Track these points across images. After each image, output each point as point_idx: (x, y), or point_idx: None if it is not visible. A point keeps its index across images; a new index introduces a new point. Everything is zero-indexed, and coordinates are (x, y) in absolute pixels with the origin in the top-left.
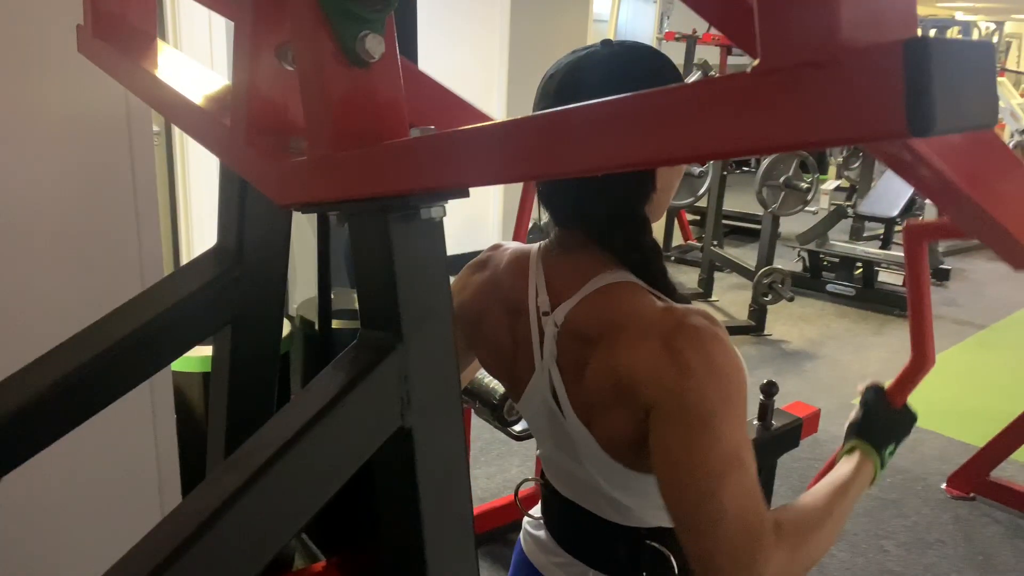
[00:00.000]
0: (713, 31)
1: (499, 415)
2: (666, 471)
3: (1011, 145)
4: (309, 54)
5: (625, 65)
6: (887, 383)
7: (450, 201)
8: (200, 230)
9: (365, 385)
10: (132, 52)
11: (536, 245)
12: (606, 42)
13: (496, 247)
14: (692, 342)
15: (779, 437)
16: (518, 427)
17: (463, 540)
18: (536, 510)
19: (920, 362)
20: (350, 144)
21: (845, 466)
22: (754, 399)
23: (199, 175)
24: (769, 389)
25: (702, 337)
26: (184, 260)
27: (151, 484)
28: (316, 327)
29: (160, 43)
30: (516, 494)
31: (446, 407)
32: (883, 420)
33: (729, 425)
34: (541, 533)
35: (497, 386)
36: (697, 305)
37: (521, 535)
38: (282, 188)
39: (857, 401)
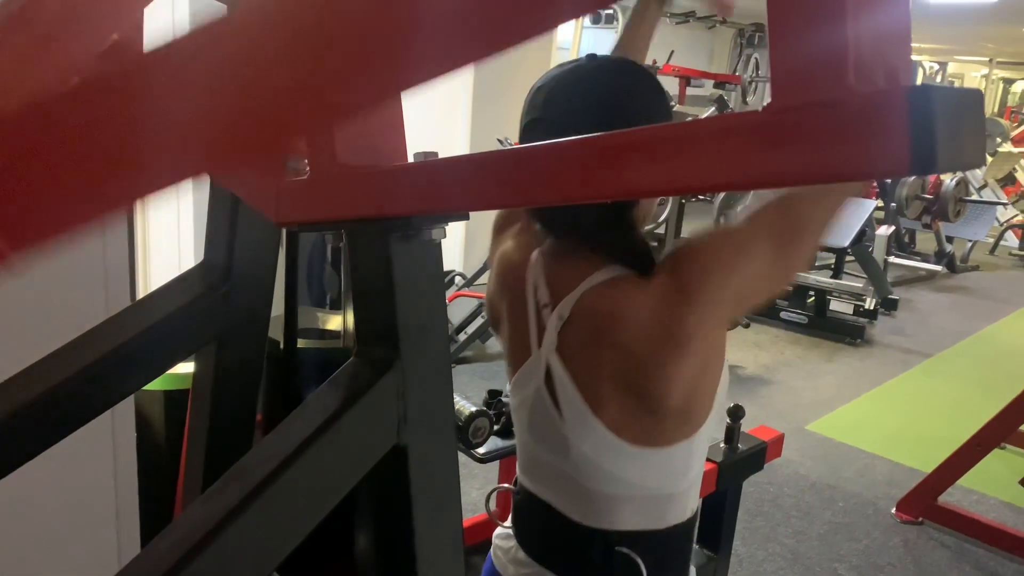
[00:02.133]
0: (673, 62)
1: (464, 437)
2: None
3: (954, 181)
4: None
5: (609, 80)
6: None
7: None
8: (158, 248)
9: (364, 402)
10: None
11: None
12: (591, 56)
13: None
14: (680, 253)
15: (745, 460)
16: (482, 449)
17: (454, 556)
18: (508, 522)
19: None
20: (352, 166)
21: None
22: (720, 422)
23: (158, 199)
24: (736, 413)
25: (675, 248)
26: (141, 277)
27: (108, 504)
28: (280, 346)
29: None
30: (487, 502)
31: (440, 424)
32: None
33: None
34: (511, 544)
35: (463, 407)
36: None
37: (492, 548)
38: (280, 207)
39: (811, 427)
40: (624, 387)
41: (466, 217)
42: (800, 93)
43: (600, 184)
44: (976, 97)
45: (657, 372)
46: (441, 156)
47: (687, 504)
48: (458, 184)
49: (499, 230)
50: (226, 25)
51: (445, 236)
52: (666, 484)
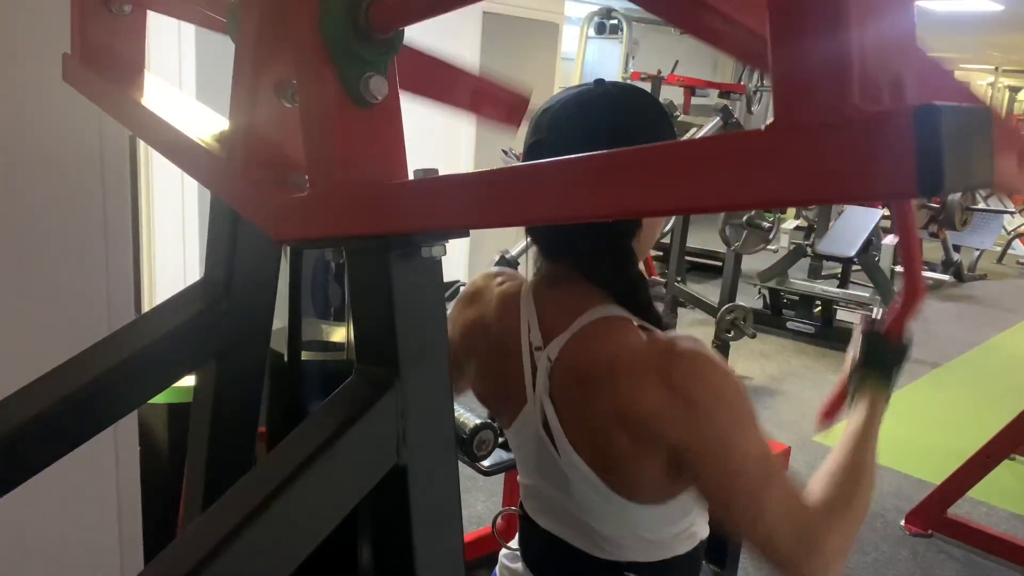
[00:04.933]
0: (677, 72)
1: (468, 450)
2: (710, 500)
3: (959, 194)
4: (314, 94)
5: (615, 105)
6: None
7: None
8: (163, 267)
9: (363, 422)
10: (121, 82)
11: (526, 280)
12: (599, 82)
13: (489, 277)
14: (688, 373)
15: None
16: (487, 462)
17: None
18: (514, 542)
19: (912, 295)
20: (352, 183)
21: (858, 413)
22: None
23: (164, 212)
24: None
25: (696, 364)
26: (146, 295)
27: (110, 517)
28: (285, 359)
29: (148, 75)
30: (494, 525)
31: (441, 444)
32: (885, 353)
33: (749, 442)
34: (518, 566)
35: (467, 420)
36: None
37: (498, 568)
38: (280, 224)
39: (818, 438)
40: (609, 442)
41: (466, 234)
42: (803, 112)
43: (600, 203)
44: (985, 115)
45: (636, 448)
46: (442, 172)
47: (695, 534)
48: (458, 201)
49: (465, 305)
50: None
51: (445, 254)
52: (667, 528)
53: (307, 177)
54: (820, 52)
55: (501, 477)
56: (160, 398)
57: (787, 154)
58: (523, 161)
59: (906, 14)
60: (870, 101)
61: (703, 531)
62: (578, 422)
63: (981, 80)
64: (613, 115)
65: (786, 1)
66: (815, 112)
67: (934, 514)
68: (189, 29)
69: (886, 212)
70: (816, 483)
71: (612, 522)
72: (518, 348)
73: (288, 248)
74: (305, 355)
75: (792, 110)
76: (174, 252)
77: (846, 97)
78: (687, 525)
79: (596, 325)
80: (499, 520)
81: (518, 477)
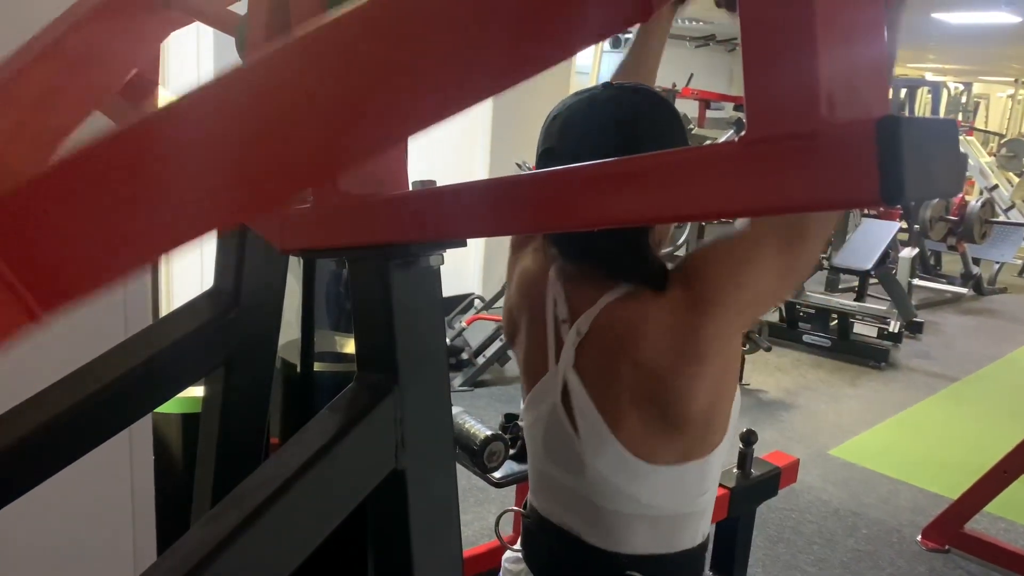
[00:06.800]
0: (693, 85)
1: (479, 461)
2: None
3: (980, 202)
4: None
5: (623, 110)
6: None
7: None
8: (181, 276)
9: (362, 427)
10: (136, 99)
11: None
12: (607, 85)
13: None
14: (689, 258)
15: (758, 485)
16: (498, 473)
17: None
18: (517, 544)
19: None
20: (352, 195)
21: None
22: (733, 448)
23: None
24: (748, 438)
25: (691, 253)
26: (164, 304)
27: (125, 523)
28: (298, 369)
29: (163, 90)
30: (496, 525)
31: (439, 449)
32: None
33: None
34: (521, 568)
35: (478, 431)
36: None
37: (501, 572)
38: (284, 235)
39: (833, 452)
40: (643, 402)
41: (464, 244)
42: (773, 124)
43: (584, 213)
44: (949, 127)
45: (676, 385)
46: (442, 184)
47: (698, 528)
48: (454, 212)
49: (517, 247)
50: (242, 76)
51: (443, 263)
52: (678, 504)
53: (310, 189)
54: (790, 66)
55: (513, 489)
56: (174, 408)
57: (757, 164)
58: (535, 169)
59: (875, 34)
60: (837, 115)
61: (705, 527)
62: (608, 385)
63: (1001, 92)
64: (622, 120)
65: (757, 19)
66: (783, 124)
67: (951, 529)
68: (207, 44)
69: (903, 225)
70: None
71: (621, 497)
72: (543, 319)
73: (301, 261)
74: (318, 366)
75: (762, 122)
76: (192, 262)
77: (813, 110)
78: (693, 510)
79: (624, 297)
80: (503, 522)
81: (527, 464)
